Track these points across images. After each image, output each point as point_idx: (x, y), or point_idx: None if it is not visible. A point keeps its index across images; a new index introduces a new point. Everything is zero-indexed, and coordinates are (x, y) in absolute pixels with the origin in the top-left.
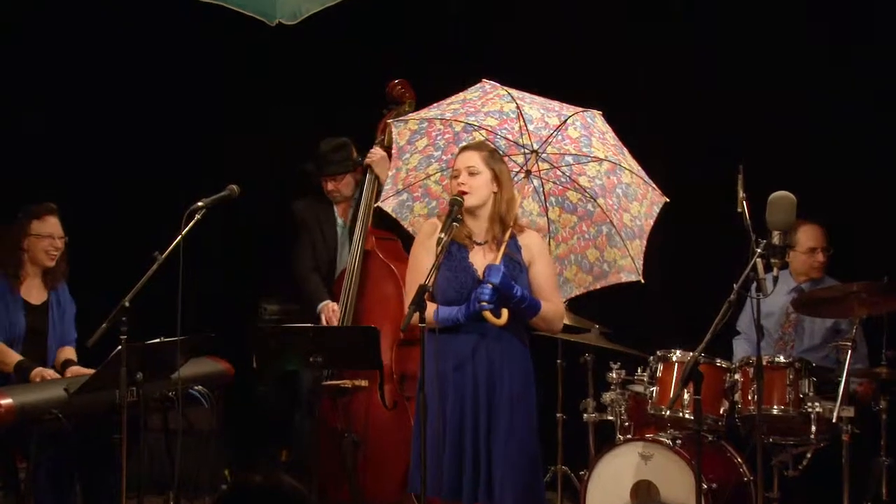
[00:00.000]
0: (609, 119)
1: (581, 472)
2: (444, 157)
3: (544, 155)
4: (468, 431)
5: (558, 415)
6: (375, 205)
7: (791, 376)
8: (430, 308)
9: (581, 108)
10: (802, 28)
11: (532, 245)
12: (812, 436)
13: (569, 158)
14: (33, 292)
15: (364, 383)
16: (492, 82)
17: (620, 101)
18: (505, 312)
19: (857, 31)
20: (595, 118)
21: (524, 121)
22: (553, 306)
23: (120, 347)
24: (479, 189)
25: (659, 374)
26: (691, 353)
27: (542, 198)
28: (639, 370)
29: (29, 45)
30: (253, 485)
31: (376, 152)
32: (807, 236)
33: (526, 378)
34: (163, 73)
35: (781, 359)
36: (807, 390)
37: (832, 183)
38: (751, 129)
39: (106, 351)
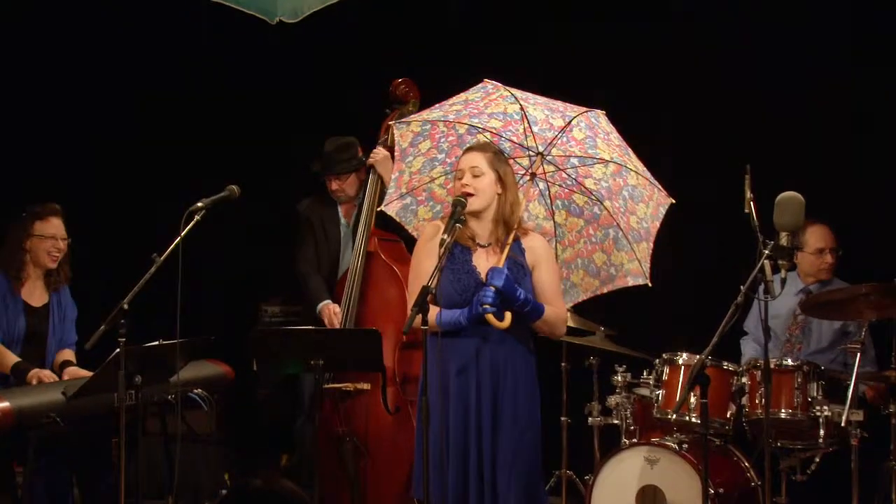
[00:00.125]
0: (614, 119)
1: (586, 477)
2: (448, 161)
3: (549, 157)
4: (472, 438)
5: (563, 418)
6: (378, 209)
7: (799, 379)
8: (433, 312)
9: (585, 108)
10: (812, 27)
11: (536, 248)
12: (820, 440)
13: (574, 160)
14: (35, 294)
15: (366, 386)
16: (493, 82)
17: (626, 100)
18: (508, 315)
19: (866, 28)
20: (599, 118)
21: (528, 122)
22: (556, 310)
23: (118, 350)
24: (483, 191)
25: (665, 377)
26: (698, 356)
27: (549, 201)
28: (644, 373)
29: (29, 45)
30: (253, 490)
31: (379, 152)
32: (815, 237)
33: (530, 383)
34: (163, 73)
35: (789, 362)
36: (815, 394)
37: (840, 183)
38: (758, 129)
39: (104, 353)
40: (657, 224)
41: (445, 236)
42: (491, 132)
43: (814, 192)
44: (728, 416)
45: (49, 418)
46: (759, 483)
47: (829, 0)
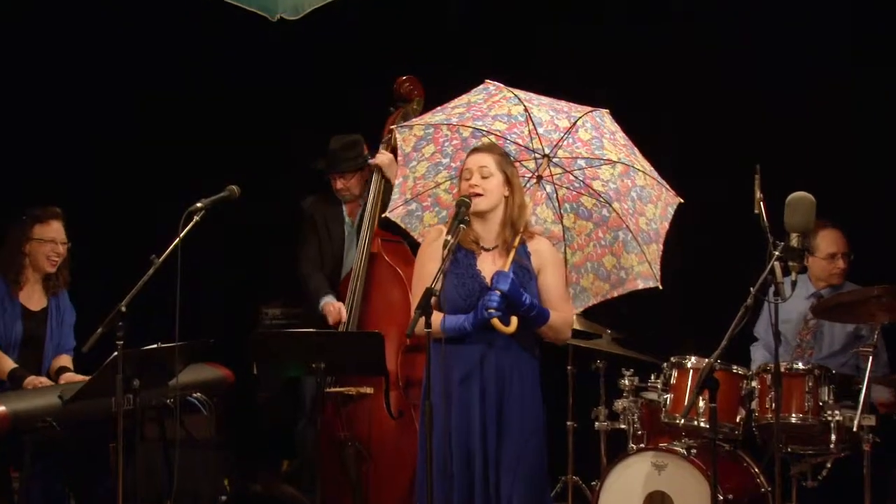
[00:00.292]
0: (620, 119)
1: (592, 483)
2: (452, 165)
3: (556, 159)
4: (477, 445)
5: (569, 423)
6: (383, 215)
7: (810, 383)
8: (437, 318)
9: (590, 108)
10: (822, 26)
11: (542, 251)
12: (832, 445)
13: (581, 162)
14: (33, 298)
15: (369, 390)
16: (496, 83)
17: (626, 100)
18: (514, 320)
19: (867, 28)
20: (604, 117)
21: (533, 124)
22: (562, 315)
23: (116, 353)
24: (492, 192)
25: (673, 381)
26: (707, 360)
27: (556, 204)
28: (652, 377)
29: (29, 45)
30: (253, 495)
31: (385, 155)
32: (827, 241)
33: (535, 389)
34: (162, 72)
35: (800, 365)
36: (826, 398)
37: (851, 183)
38: (768, 129)
39: (101, 357)
40: (666, 225)
41: (449, 237)
42: (496, 135)
43: (824, 193)
44: (737, 420)
45: (45, 422)
46: (770, 489)
47: (829, 0)
